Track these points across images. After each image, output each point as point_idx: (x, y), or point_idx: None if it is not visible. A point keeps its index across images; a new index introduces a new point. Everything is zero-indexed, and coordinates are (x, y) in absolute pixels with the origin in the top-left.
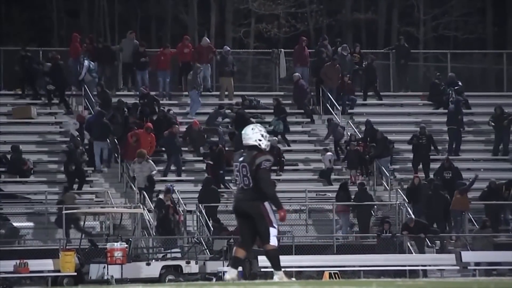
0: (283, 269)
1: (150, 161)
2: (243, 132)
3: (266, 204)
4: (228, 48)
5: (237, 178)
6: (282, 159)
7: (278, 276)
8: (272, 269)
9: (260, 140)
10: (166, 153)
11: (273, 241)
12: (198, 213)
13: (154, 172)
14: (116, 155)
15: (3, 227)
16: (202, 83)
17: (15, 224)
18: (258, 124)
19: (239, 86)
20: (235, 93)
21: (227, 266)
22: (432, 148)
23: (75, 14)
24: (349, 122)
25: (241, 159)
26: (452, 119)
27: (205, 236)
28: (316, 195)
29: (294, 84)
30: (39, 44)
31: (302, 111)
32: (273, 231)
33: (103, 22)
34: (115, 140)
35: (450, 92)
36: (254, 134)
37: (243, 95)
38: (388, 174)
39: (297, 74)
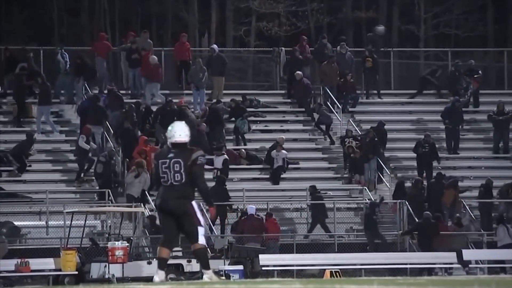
0: (282, 268)
1: (147, 172)
2: (177, 128)
3: (194, 203)
4: (216, 47)
5: (164, 176)
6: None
7: (208, 275)
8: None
9: (189, 137)
10: None
11: (202, 240)
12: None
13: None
14: (118, 156)
15: (4, 226)
16: (202, 77)
17: (16, 223)
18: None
19: (240, 84)
20: (236, 91)
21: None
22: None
23: (76, 13)
24: (350, 120)
25: (171, 155)
26: (447, 117)
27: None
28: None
29: (297, 83)
30: (39, 43)
31: (303, 109)
32: (201, 230)
33: (104, 20)
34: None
35: (465, 81)
36: (188, 131)
37: (243, 94)
38: (372, 175)
39: (299, 72)
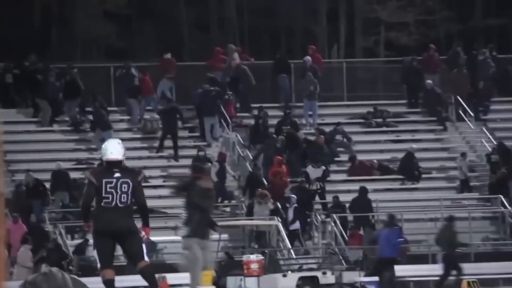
0: (418, 279)
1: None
2: (109, 146)
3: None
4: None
5: (108, 196)
6: (420, 168)
7: None
8: None
9: (124, 156)
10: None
11: (147, 258)
12: (332, 224)
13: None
14: None
15: None
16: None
17: (152, 238)
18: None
19: (370, 95)
20: (367, 102)
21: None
22: None
23: (205, 28)
24: (483, 128)
25: (117, 175)
26: None
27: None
28: (451, 203)
29: (427, 92)
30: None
31: (435, 118)
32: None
33: (233, 35)
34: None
35: None
36: (122, 149)
37: (374, 105)
38: None
39: (429, 81)
